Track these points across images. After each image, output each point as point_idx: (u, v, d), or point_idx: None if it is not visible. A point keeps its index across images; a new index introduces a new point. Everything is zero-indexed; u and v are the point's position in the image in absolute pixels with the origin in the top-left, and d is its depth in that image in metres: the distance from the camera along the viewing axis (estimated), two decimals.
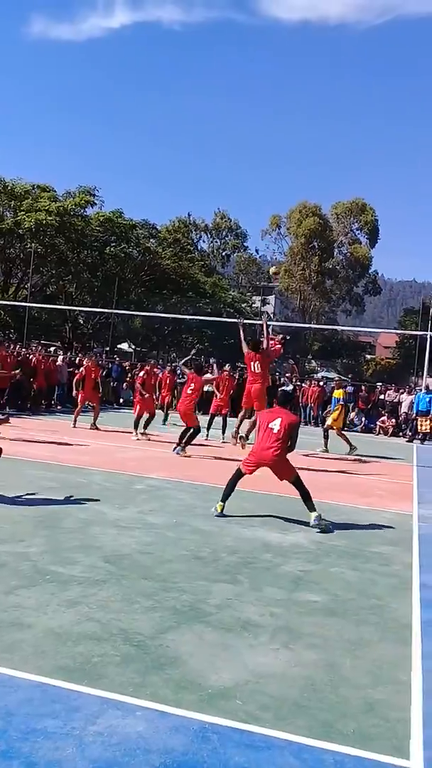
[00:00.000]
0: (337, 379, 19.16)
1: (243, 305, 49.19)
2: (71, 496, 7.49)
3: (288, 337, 15.68)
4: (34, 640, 3.67)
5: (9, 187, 33.50)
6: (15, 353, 19.33)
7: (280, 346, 13.48)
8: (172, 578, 4.98)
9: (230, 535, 6.48)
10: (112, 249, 35.68)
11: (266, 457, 7.26)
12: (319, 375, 41.55)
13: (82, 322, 38.73)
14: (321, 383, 26.16)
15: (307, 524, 7.12)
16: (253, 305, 52.54)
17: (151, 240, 42.27)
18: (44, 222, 31.17)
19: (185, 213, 62.63)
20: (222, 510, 7.25)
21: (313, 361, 55.10)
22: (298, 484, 7.31)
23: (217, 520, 6.99)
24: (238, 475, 7.44)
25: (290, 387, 24.65)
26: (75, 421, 15.40)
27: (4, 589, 4.41)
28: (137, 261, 38.43)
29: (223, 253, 64.89)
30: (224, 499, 7.32)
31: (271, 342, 12.63)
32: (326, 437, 14.98)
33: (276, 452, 7.21)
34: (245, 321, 17.86)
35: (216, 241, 64.73)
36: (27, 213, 31.73)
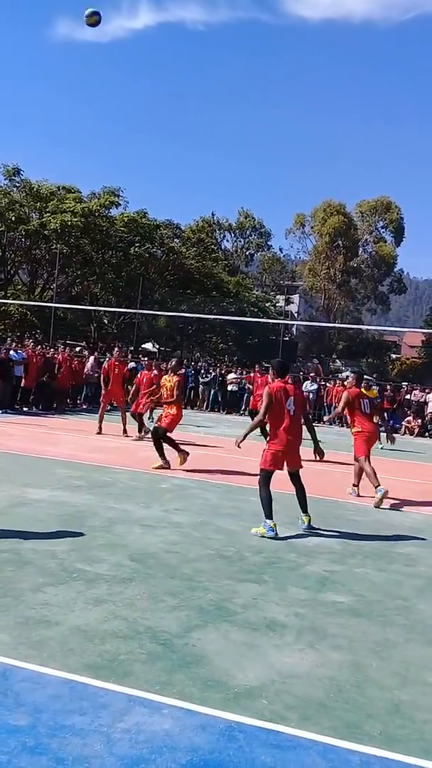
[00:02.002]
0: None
1: (267, 304, 49.03)
2: (97, 495, 7.54)
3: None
4: (61, 638, 3.71)
5: (35, 189, 33.79)
6: (40, 353, 19.52)
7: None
8: (197, 577, 5.01)
9: (254, 534, 6.47)
10: (136, 249, 35.79)
11: (291, 445, 6.71)
12: (344, 374, 41.32)
13: (106, 322, 38.94)
14: (345, 383, 26.03)
15: (330, 525, 7.09)
16: (277, 304, 52.34)
17: (175, 240, 42.34)
18: (69, 223, 31.37)
19: (209, 212, 62.62)
20: (276, 527, 6.44)
21: (337, 360, 54.75)
22: (299, 477, 6.90)
23: (242, 520, 6.98)
24: (268, 477, 6.70)
25: (314, 386, 24.64)
26: (100, 424, 14.00)
27: (31, 587, 4.47)
28: (161, 261, 38.53)
29: (247, 253, 64.74)
30: (271, 514, 6.50)
31: None
32: None
33: (299, 439, 6.80)
34: None
35: (240, 241, 64.62)
36: (52, 214, 31.96)
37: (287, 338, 42.78)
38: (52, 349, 21.60)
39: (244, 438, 7.02)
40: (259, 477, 6.77)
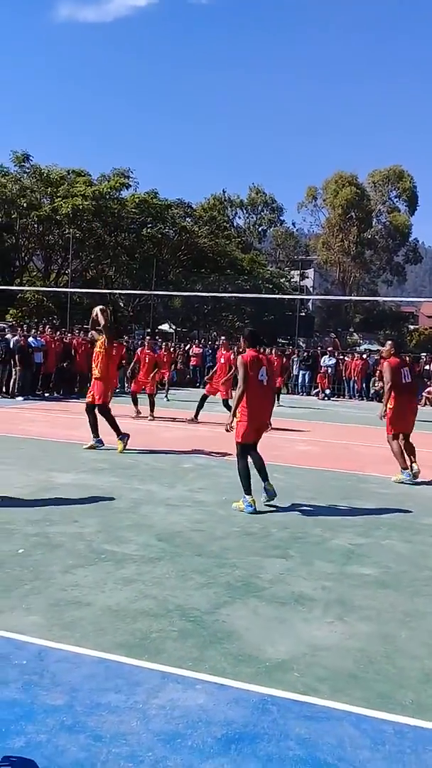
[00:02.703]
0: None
1: (282, 280, 48.74)
2: (121, 477, 7.61)
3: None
4: (93, 618, 3.77)
5: (45, 174, 33.75)
6: (58, 339, 19.59)
7: None
8: (224, 554, 5.05)
9: (279, 510, 6.51)
10: (148, 230, 35.71)
11: (266, 418, 6.74)
12: (362, 348, 41.07)
13: (122, 305, 38.97)
14: (364, 356, 25.86)
15: (353, 498, 7.10)
16: (292, 280, 52.00)
17: (187, 219, 42.13)
18: (81, 207, 31.35)
19: (220, 190, 62.21)
20: (255, 503, 6.39)
21: (355, 333, 54.42)
22: (256, 448, 6.72)
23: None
24: (246, 450, 6.58)
25: (332, 361, 24.54)
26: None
27: (61, 569, 4.54)
28: (174, 241, 38.41)
29: (260, 229, 64.33)
30: (250, 489, 6.45)
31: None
32: None
33: (271, 409, 6.79)
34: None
35: (252, 217, 64.19)
36: (63, 199, 31.93)
37: (303, 313, 42.53)
38: (69, 335, 21.66)
39: (233, 419, 6.64)
40: (236, 451, 6.66)
